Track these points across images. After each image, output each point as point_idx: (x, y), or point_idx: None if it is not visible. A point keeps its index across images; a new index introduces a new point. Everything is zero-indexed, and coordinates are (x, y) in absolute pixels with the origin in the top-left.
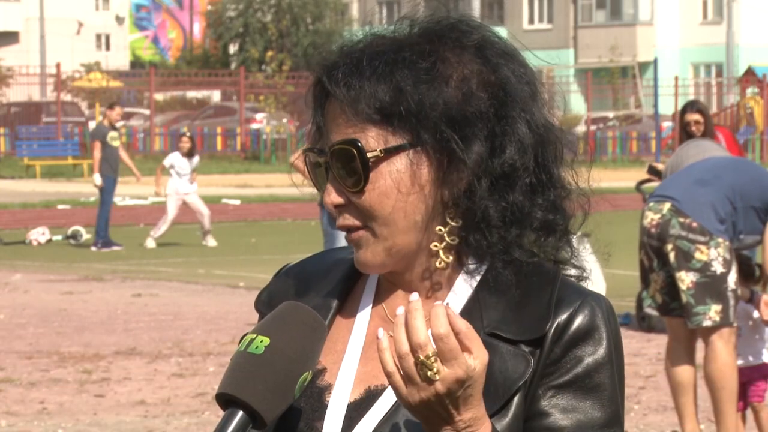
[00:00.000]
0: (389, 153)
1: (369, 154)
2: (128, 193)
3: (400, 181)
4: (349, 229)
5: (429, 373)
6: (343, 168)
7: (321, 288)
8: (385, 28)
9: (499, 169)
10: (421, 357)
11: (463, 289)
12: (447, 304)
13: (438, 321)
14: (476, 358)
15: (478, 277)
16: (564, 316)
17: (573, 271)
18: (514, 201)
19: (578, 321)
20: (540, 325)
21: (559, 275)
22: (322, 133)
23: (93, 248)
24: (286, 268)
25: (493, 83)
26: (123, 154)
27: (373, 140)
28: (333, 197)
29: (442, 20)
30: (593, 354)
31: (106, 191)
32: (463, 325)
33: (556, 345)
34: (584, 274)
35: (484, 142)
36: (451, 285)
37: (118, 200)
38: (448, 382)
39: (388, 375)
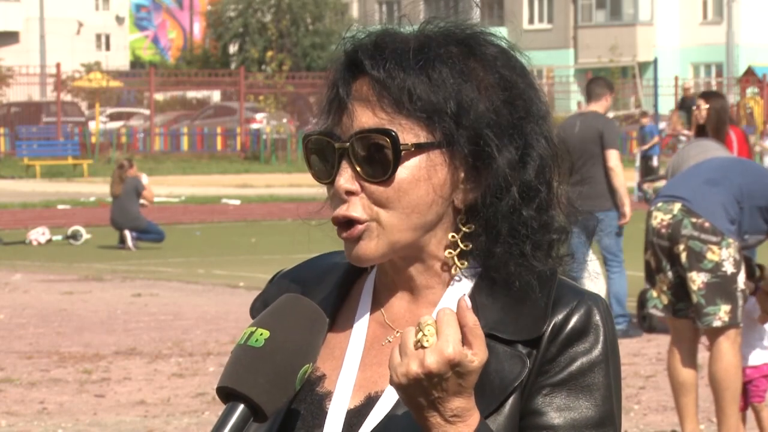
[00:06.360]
0: (419, 149)
1: (401, 147)
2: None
3: (422, 178)
4: (349, 222)
5: (423, 338)
6: (367, 155)
7: (317, 293)
8: (410, 26)
9: (524, 181)
10: (421, 322)
11: (459, 290)
12: (465, 295)
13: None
14: (475, 354)
15: (475, 279)
16: (560, 316)
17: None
18: (529, 215)
19: (574, 320)
20: (537, 325)
21: (557, 276)
22: (343, 110)
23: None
24: (280, 274)
25: (516, 97)
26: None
27: (404, 132)
28: (348, 183)
29: (465, 27)
30: (588, 353)
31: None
32: (471, 321)
33: (552, 344)
34: (580, 282)
35: (514, 152)
36: (447, 285)
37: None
38: (438, 360)
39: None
